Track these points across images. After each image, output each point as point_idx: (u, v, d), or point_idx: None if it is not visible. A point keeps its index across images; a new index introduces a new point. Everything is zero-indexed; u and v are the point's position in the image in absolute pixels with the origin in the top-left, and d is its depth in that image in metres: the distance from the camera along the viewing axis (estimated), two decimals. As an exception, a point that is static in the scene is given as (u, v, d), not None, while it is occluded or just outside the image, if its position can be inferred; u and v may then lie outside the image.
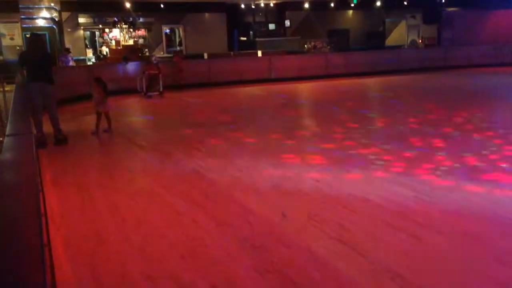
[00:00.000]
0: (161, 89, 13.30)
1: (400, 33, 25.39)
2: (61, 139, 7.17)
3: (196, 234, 3.70)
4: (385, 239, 3.48)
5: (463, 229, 3.61)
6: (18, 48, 17.16)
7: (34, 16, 18.65)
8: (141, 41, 20.58)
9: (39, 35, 8.97)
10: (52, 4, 18.49)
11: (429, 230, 3.57)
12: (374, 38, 24.36)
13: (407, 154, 5.87)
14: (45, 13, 18.77)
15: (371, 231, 3.62)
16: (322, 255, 3.23)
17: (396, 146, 6.29)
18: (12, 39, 17.56)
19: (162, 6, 19.43)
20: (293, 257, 3.26)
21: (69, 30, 19.18)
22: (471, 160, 5.46)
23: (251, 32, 23.09)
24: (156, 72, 13.40)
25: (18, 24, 17.51)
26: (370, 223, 3.78)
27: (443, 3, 23.26)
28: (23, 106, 5.77)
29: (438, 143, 6.39)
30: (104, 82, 8.04)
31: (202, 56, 18.55)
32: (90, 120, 8.52)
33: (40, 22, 18.76)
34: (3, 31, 17.50)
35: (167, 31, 21.72)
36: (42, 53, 7.22)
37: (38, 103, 6.97)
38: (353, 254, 3.23)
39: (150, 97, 12.99)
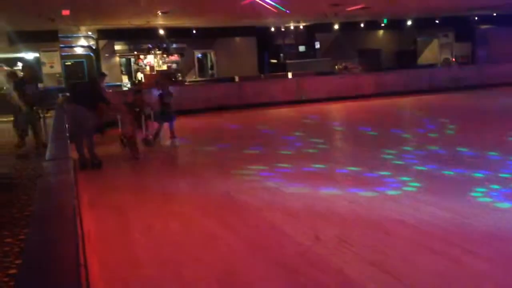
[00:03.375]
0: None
1: (432, 52, 25.04)
2: (96, 164, 7.36)
3: (230, 257, 3.70)
4: (422, 262, 3.38)
5: (502, 251, 3.48)
6: (57, 75, 17.85)
7: (73, 45, 19.43)
8: (174, 66, 21.07)
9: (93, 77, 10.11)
10: (90, 33, 19.24)
11: (467, 253, 3.45)
12: (406, 57, 24.08)
13: (443, 175, 5.74)
14: (82, 41, 19.53)
15: (406, 254, 3.54)
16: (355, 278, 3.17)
17: (431, 167, 6.15)
18: (52, 67, 18.30)
19: (194, 32, 19.91)
20: (326, 280, 3.21)
21: (105, 57, 19.87)
22: (510, 181, 5.28)
23: (281, 55, 23.28)
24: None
25: (58, 53, 18.26)
26: (405, 246, 3.69)
27: (476, 21, 22.87)
28: (63, 130, 5.98)
29: (475, 163, 6.22)
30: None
31: (233, 79, 18.80)
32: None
33: (78, 50, 19.51)
34: (44, 59, 18.28)
35: (199, 55, 22.18)
36: (89, 81, 7.64)
37: (78, 126, 7.22)
38: (387, 278, 3.15)
39: (149, 144, 8.86)
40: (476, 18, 22.72)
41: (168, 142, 9.25)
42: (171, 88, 9.93)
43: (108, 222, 4.76)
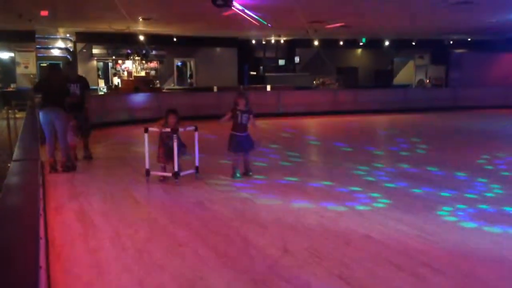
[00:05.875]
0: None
1: (408, 73, 25.64)
2: (69, 166, 7.24)
3: (196, 266, 3.67)
4: (387, 277, 3.43)
5: (465, 269, 3.55)
6: (32, 76, 17.53)
7: (49, 46, 19.14)
8: (152, 72, 20.96)
9: (57, 64, 9.30)
10: (68, 35, 19.01)
11: (431, 270, 3.52)
12: (383, 77, 24.60)
13: (412, 192, 5.85)
14: (60, 44, 19.27)
15: (372, 268, 3.58)
16: (322, 291, 3.19)
17: (400, 185, 6.27)
18: (26, 67, 17.97)
19: (175, 39, 19.88)
20: (292, 292, 3.22)
21: (83, 60, 19.63)
22: (476, 201, 5.41)
23: (261, 67, 23.45)
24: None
25: (33, 54, 17.95)
26: (371, 261, 3.73)
27: (451, 45, 23.57)
28: (33, 132, 5.87)
29: (443, 182, 6.36)
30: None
31: (212, 89, 18.82)
32: (99, 149, 8.60)
33: (55, 52, 19.22)
34: (18, 59, 17.94)
35: (179, 63, 22.14)
36: (59, 82, 7.38)
37: (50, 129, 7.08)
38: (353, 292, 3.19)
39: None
40: (451, 42, 23.44)
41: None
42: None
43: (74, 227, 4.66)
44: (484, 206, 5.20)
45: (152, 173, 6.51)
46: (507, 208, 5.10)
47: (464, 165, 7.56)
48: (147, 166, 6.49)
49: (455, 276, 3.45)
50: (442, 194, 5.75)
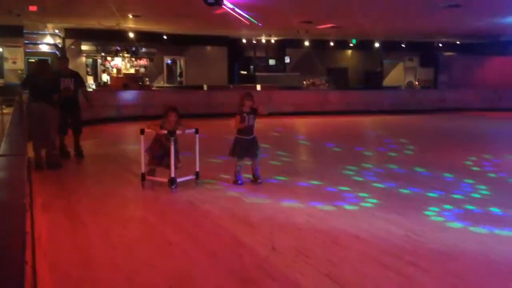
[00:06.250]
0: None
1: (397, 74, 25.81)
2: (54, 164, 7.15)
3: (185, 265, 3.67)
4: (374, 276, 3.45)
5: (451, 269, 3.59)
6: (20, 72, 17.34)
7: (38, 42, 18.93)
8: (142, 70, 20.83)
9: (45, 60, 9.18)
10: (56, 31, 18.81)
11: (417, 269, 3.55)
12: (372, 78, 24.73)
13: (400, 193, 5.90)
14: (48, 39, 19.07)
15: (360, 267, 3.60)
16: (310, 290, 3.21)
17: (388, 185, 6.31)
18: (14, 63, 17.77)
19: (165, 37, 19.78)
20: (281, 291, 3.24)
21: (71, 56, 19.43)
22: (462, 202, 5.48)
23: (251, 67, 23.44)
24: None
25: (21, 49, 17.75)
26: (359, 260, 3.76)
27: (440, 48, 23.79)
28: (20, 127, 5.80)
29: (430, 183, 6.42)
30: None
31: (202, 87, 18.78)
32: (88, 146, 8.53)
33: (43, 48, 19.02)
34: (6, 55, 17.73)
35: (169, 61, 22.03)
36: (47, 78, 7.29)
37: (37, 125, 7.00)
38: (341, 291, 3.21)
39: None
40: (440, 45, 23.65)
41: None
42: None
43: (62, 225, 4.63)
44: (470, 207, 5.26)
45: (148, 178, 6.03)
46: (493, 209, 5.17)
47: (451, 166, 7.64)
48: (143, 170, 6.02)
49: (441, 275, 3.48)
50: (429, 194, 5.81)
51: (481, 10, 13.20)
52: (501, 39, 20.88)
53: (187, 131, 6.06)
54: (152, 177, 6.08)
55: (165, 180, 5.87)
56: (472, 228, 4.52)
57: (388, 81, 25.51)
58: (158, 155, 5.95)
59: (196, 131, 6.06)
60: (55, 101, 7.16)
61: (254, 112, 6.24)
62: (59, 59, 9.20)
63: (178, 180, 5.85)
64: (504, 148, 10.18)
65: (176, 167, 5.79)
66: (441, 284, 3.36)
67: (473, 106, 18.16)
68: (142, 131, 6.00)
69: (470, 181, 6.53)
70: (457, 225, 4.65)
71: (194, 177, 6.11)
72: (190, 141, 6.27)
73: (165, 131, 5.79)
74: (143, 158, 6.05)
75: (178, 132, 5.82)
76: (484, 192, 5.98)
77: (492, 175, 7.08)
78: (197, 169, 6.12)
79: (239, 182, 6.20)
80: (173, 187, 5.77)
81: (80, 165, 7.83)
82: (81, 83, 8.28)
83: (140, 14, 14.15)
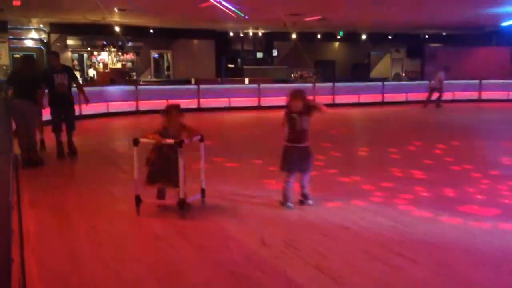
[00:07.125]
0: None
1: (385, 66, 25.94)
2: (36, 161, 7.07)
3: (173, 259, 3.67)
4: (362, 267, 3.48)
5: (438, 259, 3.64)
6: (5, 67, 17.09)
7: (23, 37, 18.67)
8: (129, 64, 20.66)
9: (30, 56, 9.05)
10: (41, 26, 18.56)
11: (405, 260, 3.59)
12: (360, 70, 24.84)
13: (387, 184, 5.94)
14: (33, 34, 18.81)
15: (348, 259, 3.63)
16: (299, 281, 3.23)
17: (376, 176, 6.36)
18: (-1, 58, 17.50)
19: (151, 31, 19.62)
20: (271, 284, 3.25)
21: (57, 51, 19.20)
22: (449, 192, 5.54)
23: (239, 60, 23.37)
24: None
25: (6, 44, 17.50)
26: (348, 251, 3.79)
27: (427, 39, 23.95)
28: (6, 124, 5.73)
29: (417, 174, 6.48)
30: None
31: (190, 81, 18.68)
32: (75, 142, 8.44)
33: (29, 43, 18.77)
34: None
35: (156, 56, 21.87)
36: (29, 74, 7.19)
37: (20, 121, 6.92)
38: (329, 281, 3.23)
39: None
40: (427, 36, 23.79)
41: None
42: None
43: (50, 221, 4.60)
44: (457, 199, 5.32)
45: (146, 200, 4.74)
46: (480, 201, 5.23)
47: (433, 156, 7.71)
48: (136, 192, 4.68)
49: (430, 265, 3.52)
50: (417, 187, 5.85)
51: (467, 0, 13.31)
52: (486, 30, 21.11)
53: (195, 138, 4.86)
54: (162, 202, 4.88)
55: (172, 203, 4.68)
56: (457, 219, 4.57)
57: (375, 73, 25.63)
58: (162, 169, 4.70)
59: (201, 139, 4.92)
60: (36, 98, 7.08)
61: (308, 112, 4.83)
62: (50, 55, 9.02)
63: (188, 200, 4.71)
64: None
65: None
66: (430, 273, 3.40)
67: (458, 97, 18.41)
68: (135, 142, 4.56)
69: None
70: (444, 216, 4.69)
71: (200, 196, 4.99)
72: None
73: (171, 140, 4.52)
74: (136, 174, 4.67)
75: (186, 141, 4.57)
76: (471, 181, 6.04)
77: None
78: (203, 186, 5.00)
79: (289, 204, 4.89)
80: (183, 211, 4.55)
81: (67, 161, 7.75)
82: (74, 76, 8.24)
83: (126, 8, 14.00)
